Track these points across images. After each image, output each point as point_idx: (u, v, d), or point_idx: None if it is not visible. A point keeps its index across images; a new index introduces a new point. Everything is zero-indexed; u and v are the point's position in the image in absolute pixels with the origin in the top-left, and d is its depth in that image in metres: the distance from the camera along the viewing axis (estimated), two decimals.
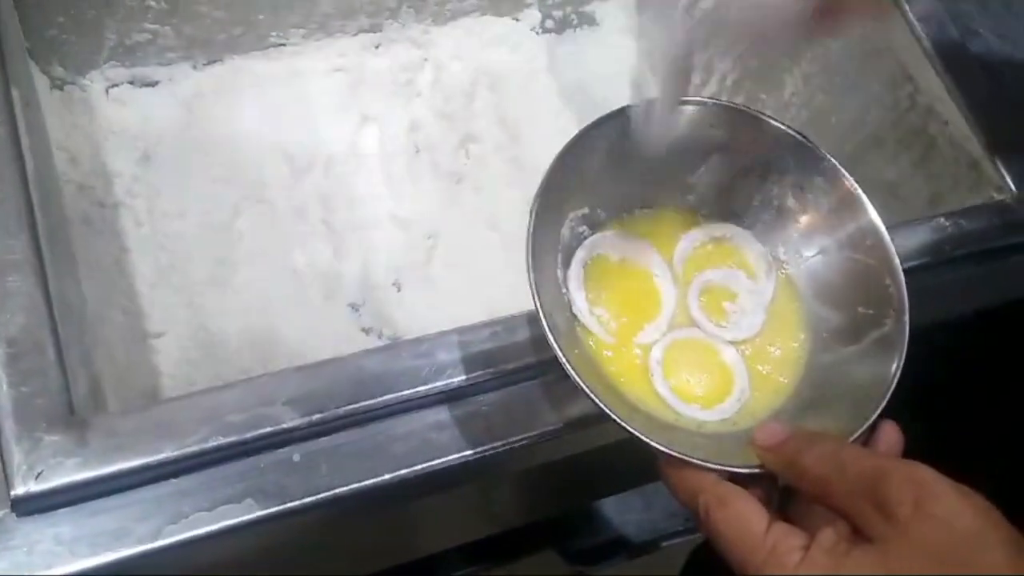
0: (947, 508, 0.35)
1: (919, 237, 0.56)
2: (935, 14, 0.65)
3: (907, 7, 0.65)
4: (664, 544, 1.00)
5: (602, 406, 0.40)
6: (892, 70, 0.67)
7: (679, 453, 0.39)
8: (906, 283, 0.45)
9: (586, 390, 0.40)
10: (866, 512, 0.36)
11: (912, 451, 0.40)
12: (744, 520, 0.38)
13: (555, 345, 0.40)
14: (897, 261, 0.45)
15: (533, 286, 0.41)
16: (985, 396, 0.66)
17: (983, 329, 0.57)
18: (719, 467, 0.39)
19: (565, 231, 0.47)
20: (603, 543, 1.01)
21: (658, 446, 0.39)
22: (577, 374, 0.40)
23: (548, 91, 0.86)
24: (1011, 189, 0.59)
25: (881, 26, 0.67)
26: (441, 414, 0.48)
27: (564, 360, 0.40)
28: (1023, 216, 0.57)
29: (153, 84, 0.77)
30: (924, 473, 0.36)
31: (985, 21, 0.67)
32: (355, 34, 0.82)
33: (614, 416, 0.39)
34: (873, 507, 0.35)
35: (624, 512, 1.04)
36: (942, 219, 0.56)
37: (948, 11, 0.65)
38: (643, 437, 0.39)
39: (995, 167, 0.59)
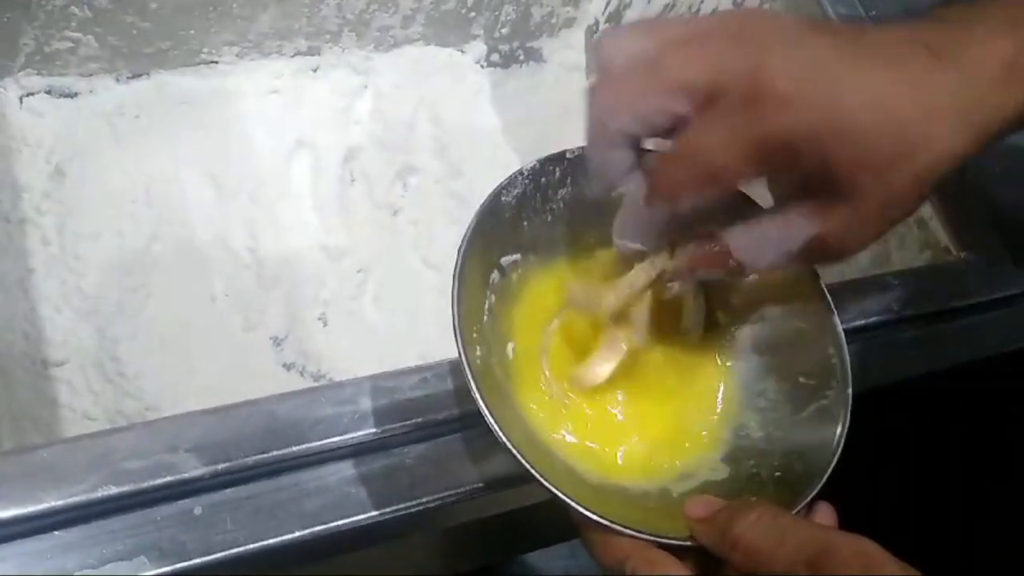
0: None
1: (865, 297, 0.54)
2: None
3: None
4: None
5: (527, 466, 0.37)
6: None
7: (609, 521, 0.37)
8: (850, 344, 0.43)
9: (511, 448, 0.37)
10: None
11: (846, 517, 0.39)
12: None
13: (479, 397, 0.37)
14: (841, 331, 0.43)
15: (459, 336, 0.38)
16: (927, 460, 0.65)
17: (928, 392, 0.56)
18: (648, 537, 0.37)
19: (495, 276, 0.44)
20: None
21: (589, 513, 0.37)
22: (500, 428, 0.37)
23: (491, 126, 0.84)
24: (957, 251, 0.58)
25: None
26: (361, 467, 0.44)
27: (487, 412, 0.37)
28: (970, 277, 0.56)
29: (72, 95, 0.73)
30: (869, 547, 0.34)
31: None
32: (292, 56, 0.78)
33: (539, 476, 0.37)
34: None
35: (549, 560, 1.01)
36: (889, 279, 0.55)
37: None
38: (572, 502, 0.37)
39: (942, 226, 0.58)
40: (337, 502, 0.43)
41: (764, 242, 0.39)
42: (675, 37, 0.38)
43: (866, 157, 0.36)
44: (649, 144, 0.40)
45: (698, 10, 0.74)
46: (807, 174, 0.37)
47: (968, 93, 0.36)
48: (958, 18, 0.39)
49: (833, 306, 0.44)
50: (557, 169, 0.44)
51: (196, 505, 0.41)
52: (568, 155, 0.44)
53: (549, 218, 0.45)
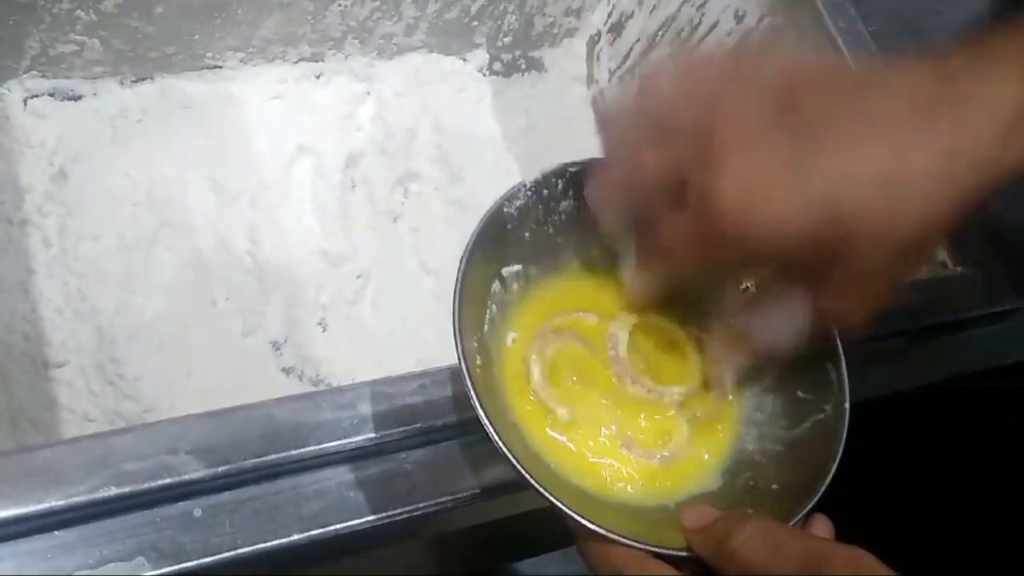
0: None
1: None
2: None
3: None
4: None
5: (526, 475, 0.37)
6: None
7: (606, 530, 0.37)
8: (847, 357, 0.43)
9: (511, 457, 0.37)
10: None
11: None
12: None
13: (479, 407, 0.38)
14: (840, 347, 0.43)
15: (459, 345, 0.39)
16: (923, 473, 0.66)
17: (925, 397, 0.56)
18: (645, 546, 0.37)
19: (496, 287, 0.44)
20: None
21: (587, 523, 0.37)
22: (500, 438, 0.37)
23: (492, 134, 0.84)
24: (953, 265, 0.58)
25: None
26: (359, 471, 0.44)
27: (487, 422, 0.37)
28: (967, 292, 0.57)
29: (76, 98, 0.73)
30: (864, 557, 0.34)
31: None
32: (296, 62, 0.79)
33: (537, 486, 0.37)
34: None
35: (543, 566, 1.01)
36: None
37: None
38: (570, 511, 0.37)
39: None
40: (335, 506, 0.43)
41: (776, 327, 0.41)
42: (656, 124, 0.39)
43: (829, 249, 0.36)
44: None
45: (698, 24, 0.75)
46: (783, 266, 0.39)
47: (964, 150, 0.36)
48: (970, 61, 0.37)
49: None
50: (559, 182, 0.45)
51: (196, 507, 0.42)
52: (571, 168, 0.45)
53: (551, 230, 0.45)
